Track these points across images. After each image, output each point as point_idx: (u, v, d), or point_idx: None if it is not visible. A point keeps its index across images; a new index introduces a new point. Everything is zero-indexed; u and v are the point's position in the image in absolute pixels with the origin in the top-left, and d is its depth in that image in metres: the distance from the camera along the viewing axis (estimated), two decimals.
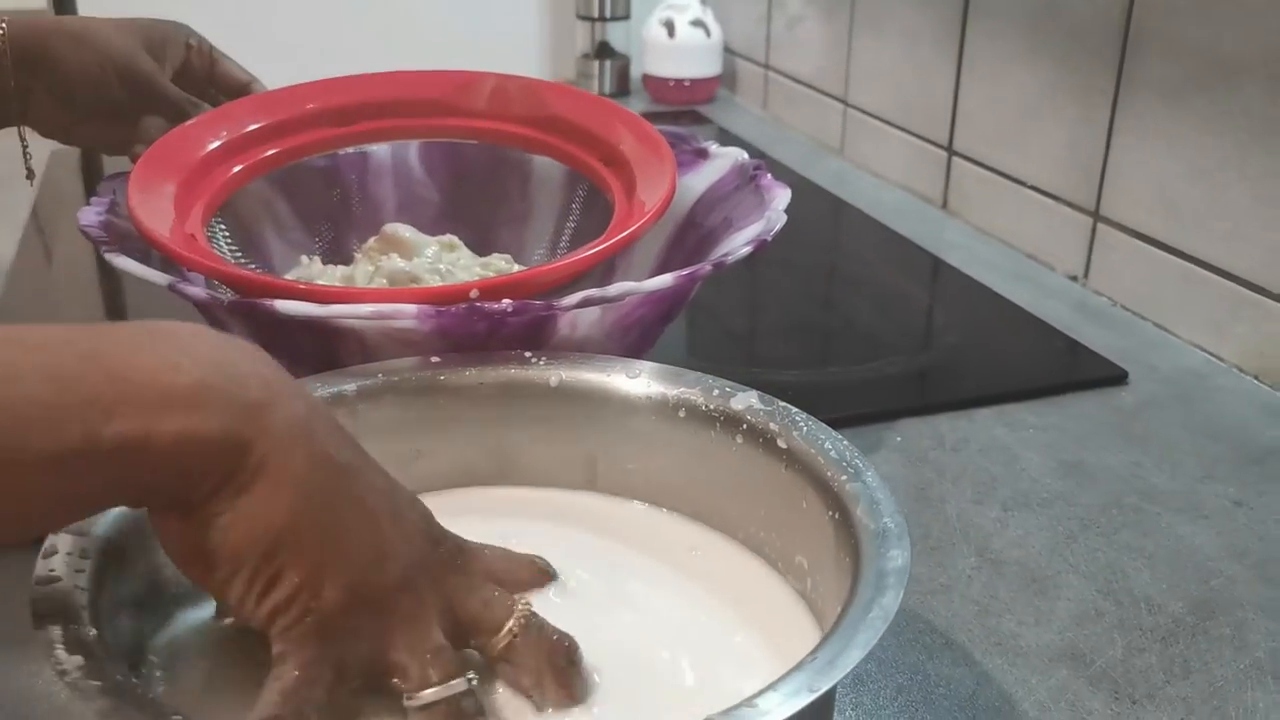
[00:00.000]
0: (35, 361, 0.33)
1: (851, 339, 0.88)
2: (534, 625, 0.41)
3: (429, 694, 0.38)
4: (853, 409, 0.74)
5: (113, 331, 0.36)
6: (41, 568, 0.39)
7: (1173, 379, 0.79)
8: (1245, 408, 0.75)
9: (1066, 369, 0.81)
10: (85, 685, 0.34)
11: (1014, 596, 0.57)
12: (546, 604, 0.44)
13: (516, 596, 0.42)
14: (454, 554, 0.42)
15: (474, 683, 0.39)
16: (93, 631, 0.36)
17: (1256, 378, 0.78)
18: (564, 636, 0.41)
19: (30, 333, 0.34)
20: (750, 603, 0.48)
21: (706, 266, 0.59)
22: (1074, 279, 0.94)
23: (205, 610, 0.45)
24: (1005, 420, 0.73)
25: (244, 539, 0.36)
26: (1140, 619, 0.56)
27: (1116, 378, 0.78)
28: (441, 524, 0.42)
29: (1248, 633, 0.55)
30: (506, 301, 0.54)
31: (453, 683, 0.39)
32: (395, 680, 0.39)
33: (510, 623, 0.40)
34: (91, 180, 1.20)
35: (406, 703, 0.39)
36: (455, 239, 0.73)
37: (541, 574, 0.46)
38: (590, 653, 0.42)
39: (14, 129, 0.78)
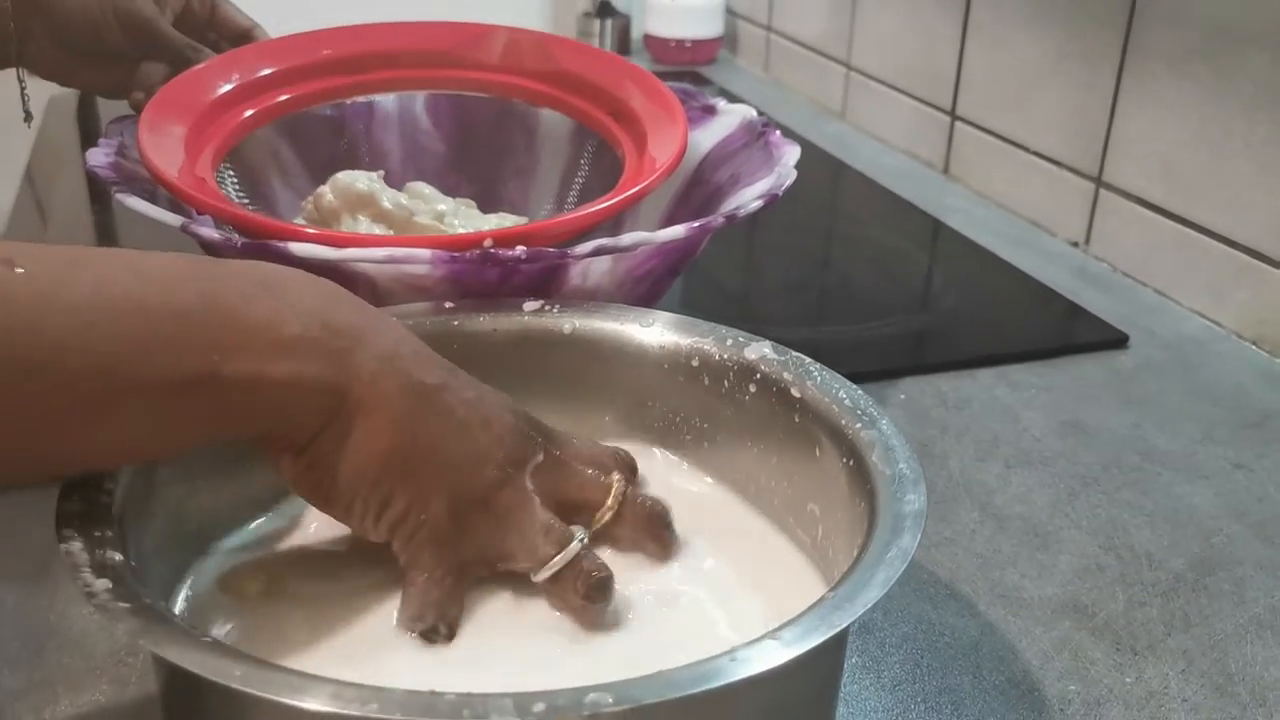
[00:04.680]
0: (161, 297, 0.37)
1: (851, 299, 0.88)
2: (629, 498, 0.46)
3: (552, 564, 0.43)
4: (854, 367, 0.74)
5: (227, 277, 0.39)
6: (63, 501, 0.39)
7: (1172, 344, 0.79)
8: (1244, 373, 0.76)
9: (1067, 332, 0.82)
10: (114, 607, 0.34)
11: (1016, 550, 0.58)
12: None
13: (610, 475, 0.46)
14: (547, 445, 0.45)
15: (584, 541, 0.44)
16: (119, 556, 0.36)
17: (1255, 344, 0.79)
18: (656, 502, 0.47)
19: (146, 263, 0.38)
20: (753, 560, 0.48)
21: (719, 219, 0.59)
22: (1074, 245, 0.94)
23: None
24: (1006, 380, 0.74)
25: (352, 473, 0.41)
26: (1141, 574, 0.57)
27: (1117, 341, 0.79)
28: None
29: (1247, 589, 0.56)
30: (520, 248, 0.55)
31: (568, 548, 0.43)
32: (516, 565, 0.43)
33: (609, 500, 0.46)
34: (88, 128, 1.19)
35: (535, 579, 0.43)
36: (471, 201, 0.73)
37: (625, 463, 0.48)
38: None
39: (12, 72, 0.77)
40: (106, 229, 0.97)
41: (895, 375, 0.74)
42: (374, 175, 0.69)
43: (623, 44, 1.46)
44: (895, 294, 0.88)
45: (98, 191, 1.04)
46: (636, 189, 0.62)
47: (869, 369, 0.75)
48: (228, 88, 0.69)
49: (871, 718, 0.48)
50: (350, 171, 0.69)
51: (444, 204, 0.73)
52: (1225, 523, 0.61)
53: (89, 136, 1.17)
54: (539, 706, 0.31)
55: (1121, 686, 0.50)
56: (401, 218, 0.67)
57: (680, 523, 0.50)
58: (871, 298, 0.87)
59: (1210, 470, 0.65)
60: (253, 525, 0.48)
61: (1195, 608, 0.54)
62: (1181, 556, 0.58)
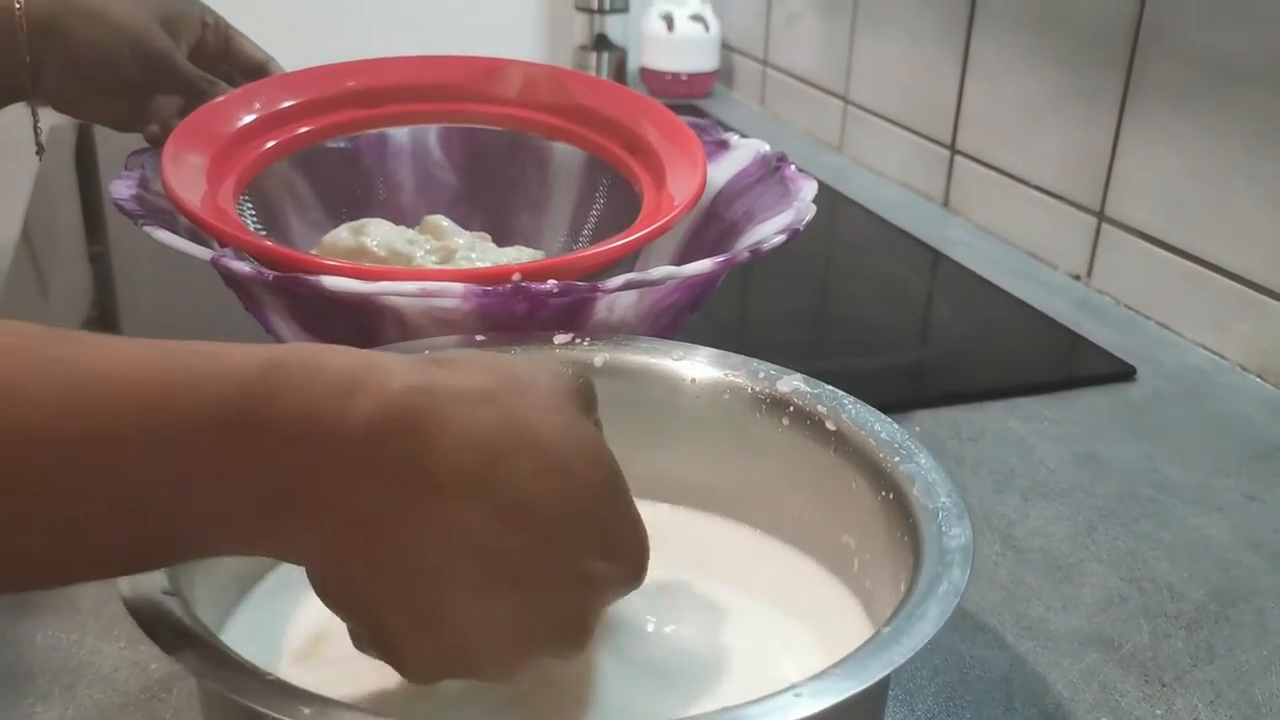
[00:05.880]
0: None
1: (856, 332, 0.89)
2: None
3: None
4: (865, 399, 0.75)
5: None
6: None
7: (1178, 376, 0.80)
8: (1251, 406, 0.77)
9: (1074, 364, 0.83)
10: (173, 643, 0.34)
11: (1040, 582, 0.59)
12: None
13: None
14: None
15: None
16: (171, 590, 0.36)
17: (1260, 376, 0.80)
18: None
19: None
20: (795, 594, 0.49)
21: (744, 253, 0.60)
22: (1076, 278, 0.95)
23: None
24: (1018, 413, 0.75)
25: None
26: (1164, 605, 0.57)
27: (1124, 374, 0.80)
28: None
29: (1269, 620, 0.56)
30: (552, 282, 0.55)
31: None
32: None
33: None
34: (85, 163, 1.18)
35: None
36: (487, 235, 0.74)
37: None
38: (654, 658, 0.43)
39: (26, 103, 0.77)
40: (104, 262, 0.97)
41: (906, 408, 0.75)
42: (361, 224, 0.68)
43: (618, 77, 1.47)
44: (899, 326, 0.89)
45: (94, 225, 1.04)
46: (662, 221, 0.63)
47: (878, 402, 0.75)
48: (249, 119, 0.69)
49: None
50: (334, 231, 0.69)
51: (461, 237, 0.73)
52: (1242, 554, 0.61)
53: (86, 171, 1.17)
54: None
55: (1152, 718, 0.50)
56: (398, 265, 0.67)
57: (715, 559, 0.51)
58: (876, 330, 0.88)
59: (1224, 502, 0.66)
60: None
61: (1219, 639, 0.55)
62: (1202, 588, 0.59)
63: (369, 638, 0.36)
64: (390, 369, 0.34)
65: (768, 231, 0.64)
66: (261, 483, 0.32)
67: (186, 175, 0.63)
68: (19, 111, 0.79)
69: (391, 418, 0.33)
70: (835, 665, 0.34)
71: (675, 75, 1.43)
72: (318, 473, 0.32)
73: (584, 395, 0.39)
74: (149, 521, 0.32)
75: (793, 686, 0.33)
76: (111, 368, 0.31)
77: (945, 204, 1.11)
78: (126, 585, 0.36)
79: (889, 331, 0.87)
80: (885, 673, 0.34)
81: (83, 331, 0.32)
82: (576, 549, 0.36)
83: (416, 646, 0.35)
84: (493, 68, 0.77)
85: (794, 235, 0.63)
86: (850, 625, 0.46)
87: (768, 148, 0.75)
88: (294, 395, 0.32)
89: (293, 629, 0.45)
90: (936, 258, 1.00)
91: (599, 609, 0.38)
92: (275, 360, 0.33)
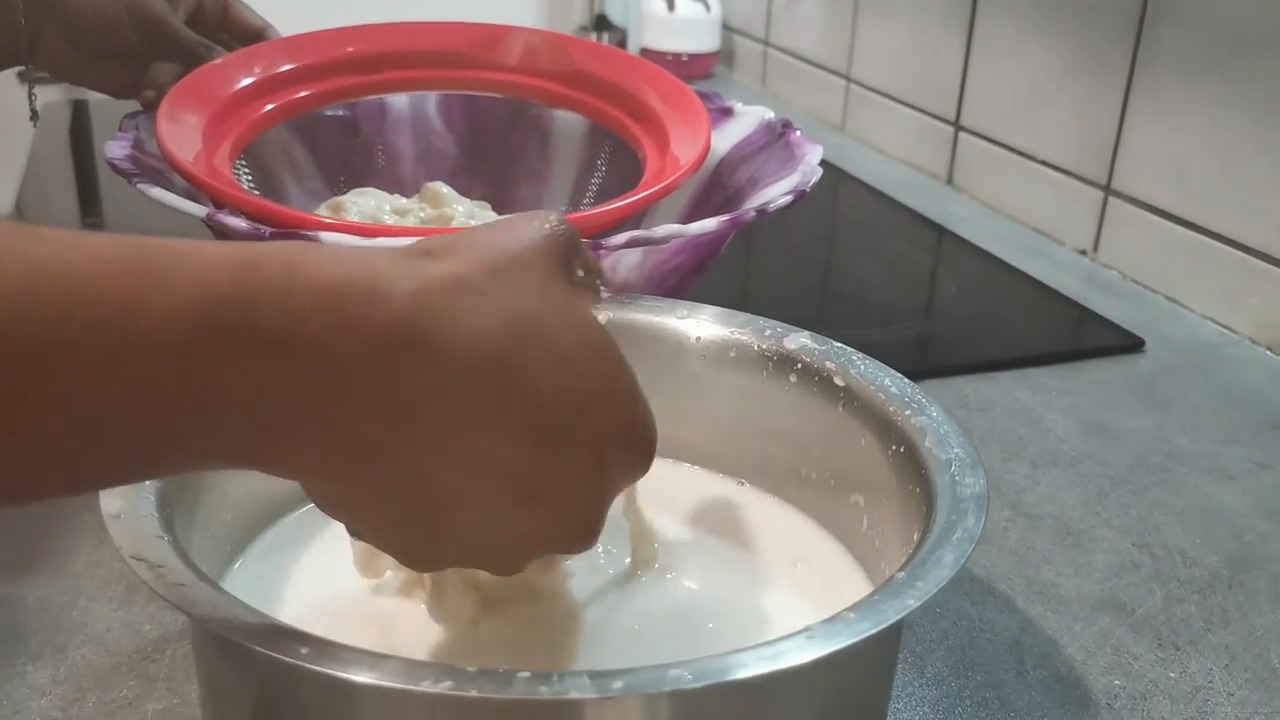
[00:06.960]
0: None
1: (861, 308, 0.88)
2: None
3: None
4: None
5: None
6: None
7: (1187, 349, 0.79)
8: (1261, 377, 0.76)
9: (1082, 337, 0.82)
10: (169, 586, 0.33)
11: (1050, 548, 0.58)
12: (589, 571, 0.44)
13: None
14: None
15: None
16: (166, 536, 0.35)
17: (1270, 349, 0.79)
18: None
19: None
20: (798, 554, 0.48)
21: (750, 212, 0.59)
22: (1083, 253, 0.94)
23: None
24: (1026, 384, 0.74)
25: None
26: (1176, 571, 0.56)
27: (1133, 346, 0.79)
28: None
29: None
30: None
31: None
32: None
33: None
34: (80, 140, 1.17)
35: None
36: (486, 203, 0.73)
37: None
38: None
39: (13, 77, 0.76)
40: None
41: (911, 378, 0.73)
42: (338, 201, 0.67)
43: None
44: (905, 303, 0.88)
45: (89, 200, 1.03)
46: (667, 181, 0.62)
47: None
48: (248, 81, 0.68)
49: (918, 711, 0.47)
50: (322, 204, 0.68)
51: (461, 205, 0.72)
52: (1255, 521, 0.60)
53: (80, 148, 1.16)
54: (618, 684, 0.30)
55: (1166, 681, 0.49)
56: None
57: (719, 517, 0.50)
58: (881, 307, 0.87)
59: (1236, 470, 0.65)
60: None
61: (1233, 604, 0.54)
62: (1215, 554, 0.58)
63: (371, 542, 0.35)
64: (382, 275, 0.30)
65: (774, 193, 0.63)
66: (245, 403, 0.29)
67: (181, 133, 0.62)
68: (10, 88, 0.78)
69: (392, 333, 0.30)
70: (849, 608, 0.33)
71: (676, 56, 1.42)
72: (313, 391, 0.29)
73: (566, 256, 0.36)
74: (122, 441, 0.29)
75: (805, 629, 0.32)
76: (70, 261, 0.27)
77: (949, 181, 1.10)
78: (120, 533, 0.35)
79: (894, 308, 0.86)
80: (899, 616, 0.33)
81: (49, 228, 0.28)
82: (594, 443, 0.33)
83: (422, 550, 0.34)
84: (494, 34, 0.76)
85: (800, 196, 0.62)
86: (851, 586, 0.45)
87: (772, 115, 0.74)
88: (275, 303, 0.29)
89: (290, 588, 0.44)
90: (941, 235, 0.99)
91: (610, 500, 0.36)
92: (250, 260, 0.29)
